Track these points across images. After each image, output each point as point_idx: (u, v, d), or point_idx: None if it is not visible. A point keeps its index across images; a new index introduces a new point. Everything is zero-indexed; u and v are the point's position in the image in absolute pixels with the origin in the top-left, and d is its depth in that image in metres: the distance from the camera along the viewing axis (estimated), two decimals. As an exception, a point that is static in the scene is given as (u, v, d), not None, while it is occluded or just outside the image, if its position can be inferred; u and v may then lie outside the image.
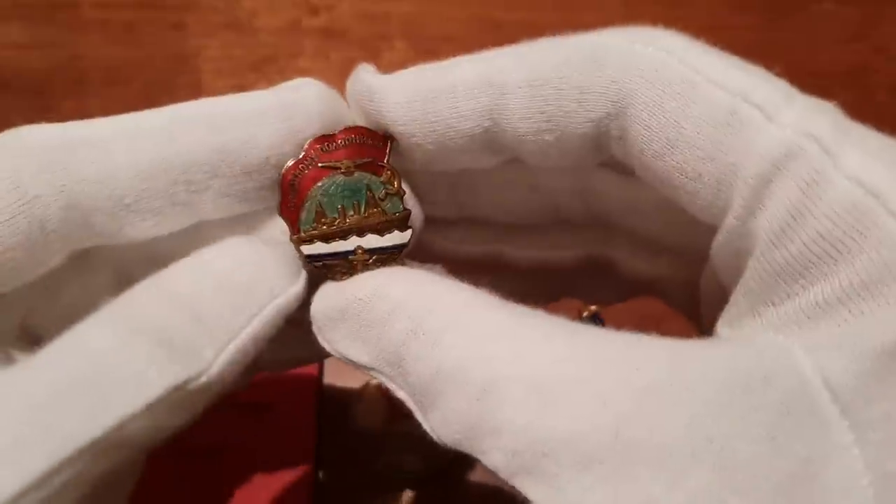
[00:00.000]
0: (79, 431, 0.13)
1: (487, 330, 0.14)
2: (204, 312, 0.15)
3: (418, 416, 0.15)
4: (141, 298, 0.15)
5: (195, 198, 0.17)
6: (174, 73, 0.46)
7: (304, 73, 0.48)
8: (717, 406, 0.12)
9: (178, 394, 0.15)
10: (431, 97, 0.16)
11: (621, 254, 0.21)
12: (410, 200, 0.18)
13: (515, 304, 0.15)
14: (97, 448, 0.14)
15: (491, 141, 0.17)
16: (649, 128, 0.15)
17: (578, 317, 0.38)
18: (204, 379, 0.15)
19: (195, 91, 0.47)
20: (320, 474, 0.31)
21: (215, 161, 0.16)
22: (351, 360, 0.16)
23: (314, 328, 0.17)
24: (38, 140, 0.16)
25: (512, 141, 0.16)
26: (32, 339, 0.18)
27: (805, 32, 0.50)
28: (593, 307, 0.38)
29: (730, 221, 0.14)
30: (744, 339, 0.14)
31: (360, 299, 0.16)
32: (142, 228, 0.17)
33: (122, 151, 0.16)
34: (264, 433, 0.30)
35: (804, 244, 0.13)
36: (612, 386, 0.12)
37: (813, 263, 0.13)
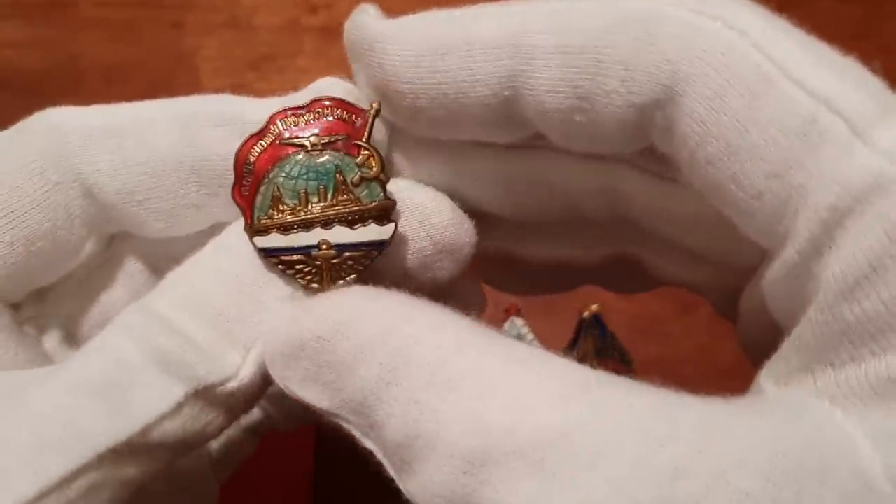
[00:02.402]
0: (100, 435, 0.13)
1: (479, 384, 0.12)
2: (225, 314, 0.14)
3: (392, 474, 0.13)
4: (161, 302, 0.15)
5: (207, 200, 0.16)
6: (173, 72, 0.46)
7: (303, 71, 0.48)
8: (756, 499, 0.10)
9: (206, 397, 0.14)
10: (442, 53, 0.13)
11: (654, 257, 0.18)
12: (423, 192, 0.16)
13: (515, 343, 0.13)
14: (121, 453, 0.13)
15: (510, 113, 0.14)
16: (705, 125, 0.12)
17: (578, 316, 0.38)
18: (232, 382, 0.14)
19: (194, 90, 0.46)
20: (320, 474, 0.31)
21: (220, 169, 0.16)
22: (309, 404, 0.14)
23: (265, 359, 0.14)
24: (61, 123, 0.16)
25: (535, 115, 0.14)
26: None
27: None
28: (594, 307, 0.37)
29: (790, 255, 0.12)
30: (793, 407, 0.12)
31: (319, 337, 0.13)
32: (156, 228, 0.17)
33: (135, 145, 0.15)
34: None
35: (883, 303, 0.10)
36: (631, 465, 0.11)
37: (892, 328, 0.10)
